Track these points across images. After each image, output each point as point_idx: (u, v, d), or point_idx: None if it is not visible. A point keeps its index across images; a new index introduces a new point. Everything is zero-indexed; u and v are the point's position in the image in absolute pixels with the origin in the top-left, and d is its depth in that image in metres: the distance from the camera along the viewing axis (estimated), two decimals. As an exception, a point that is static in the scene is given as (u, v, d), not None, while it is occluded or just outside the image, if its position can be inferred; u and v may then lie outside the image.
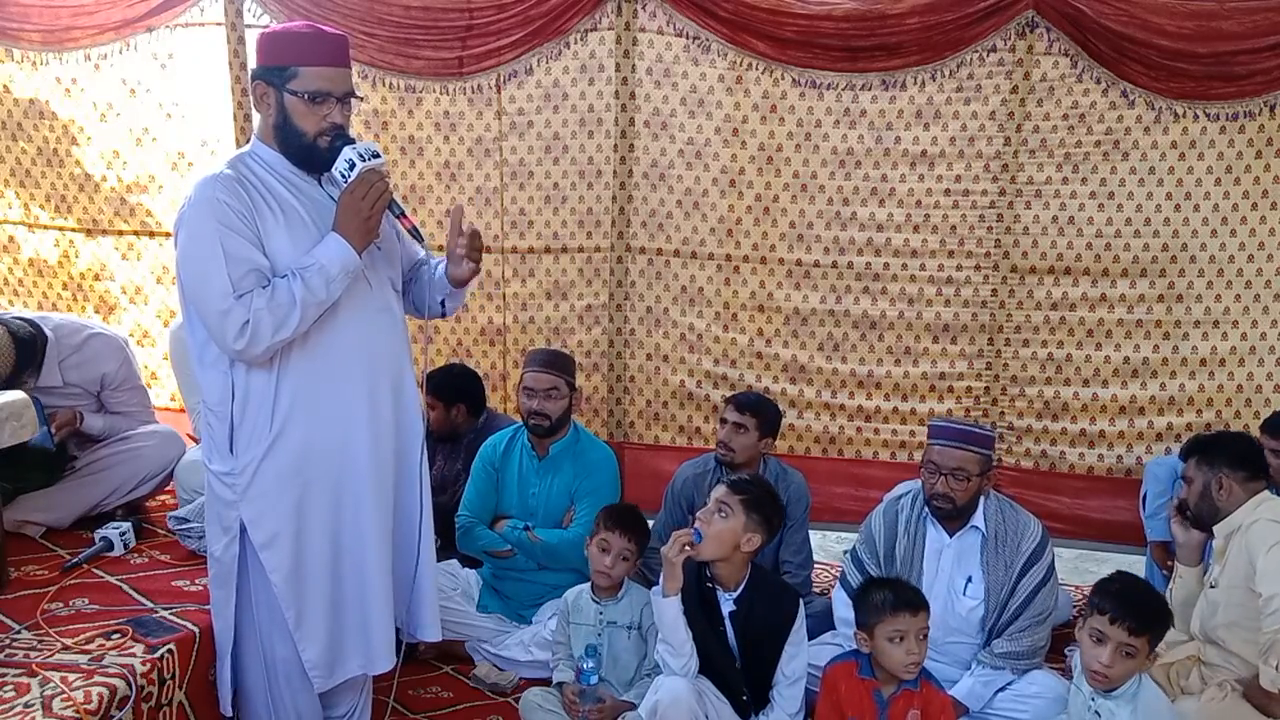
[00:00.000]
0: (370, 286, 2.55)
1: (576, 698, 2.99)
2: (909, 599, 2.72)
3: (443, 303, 2.77)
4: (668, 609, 2.81)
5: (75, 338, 3.51)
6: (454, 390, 3.88)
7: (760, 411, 3.62)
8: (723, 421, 3.63)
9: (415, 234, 2.57)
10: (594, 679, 2.96)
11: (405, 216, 2.55)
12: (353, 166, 2.43)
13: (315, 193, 2.52)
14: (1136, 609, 2.58)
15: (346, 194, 2.44)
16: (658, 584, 2.87)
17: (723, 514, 2.84)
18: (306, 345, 2.45)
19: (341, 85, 2.45)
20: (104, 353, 3.54)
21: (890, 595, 2.71)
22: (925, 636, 2.71)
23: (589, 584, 3.19)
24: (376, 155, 2.45)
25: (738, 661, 2.92)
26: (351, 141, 2.46)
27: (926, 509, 3.19)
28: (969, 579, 3.13)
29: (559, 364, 3.60)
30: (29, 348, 3.30)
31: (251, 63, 4.20)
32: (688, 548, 2.78)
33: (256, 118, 2.56)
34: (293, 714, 2.63)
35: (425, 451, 2.72)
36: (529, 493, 3.59)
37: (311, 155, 2.47)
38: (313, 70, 2.41)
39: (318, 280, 2.37)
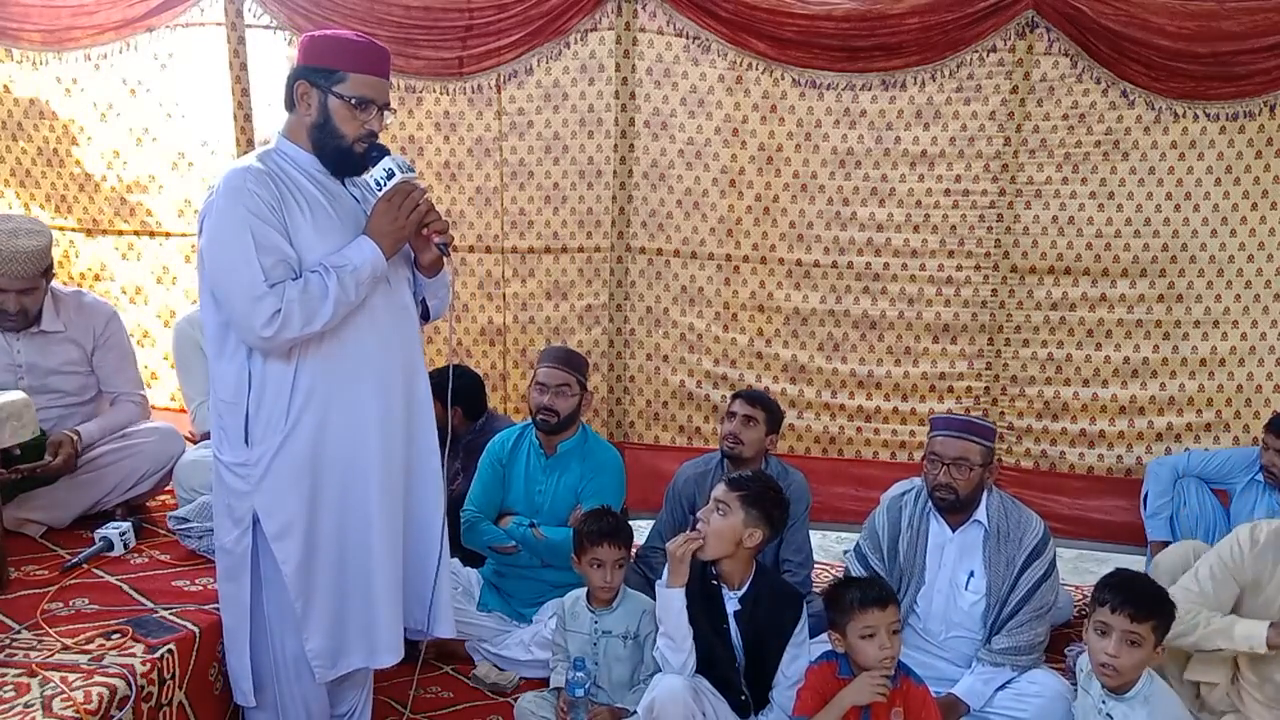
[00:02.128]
0: (390, 285, 2.58)
1: (567, 709, 2.98)
2: (876, 595, 2.69)
3: (424, 304, 2.78)
4: (672, 600, 2.81)
5: (69, 290, 3.62)
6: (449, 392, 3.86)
7: (769, 407, 3.67)
8: (730, 416, 3.64)
9: (443, 248, 2.59)
10: (579, 691, 2.96)
11: (443, 232, 2.59)
12: (390, 176, 2.51)
13: (341, 192, 2.56)
14: (1135, 596, 2.60)
15: (384, 201, 2.50)
16: (658, 579, 2.87)
17: (721, 512, 2.84)
18: (325, 338, 2.48)
19: (383, 95, 2.53)
20: (97, 308, 3.61)
21: (857, 593, 2.69)
22: (897, 631, 2.69)
23: (586, 590, 3.18)
24: (411, 169, 2.54)
25: (739, 661, 2.92)
26: (388, 151, 2.53)
27: (929, 504, 3.20)
28: (971, 574, 3.14)
29: (573, 362, 3.64)
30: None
31: (254, 63, 4.30)
32: (695, 542, 2.80)
33: (282, 117, 2.57)
34: (302, 709, 2.64)
35: (441, 453, 2.73)
36: (535, 490, 3.60)
37: (346, 159, 2.52)
38: (360, 77, 2.47)
39: (350, 281, 2.42)
